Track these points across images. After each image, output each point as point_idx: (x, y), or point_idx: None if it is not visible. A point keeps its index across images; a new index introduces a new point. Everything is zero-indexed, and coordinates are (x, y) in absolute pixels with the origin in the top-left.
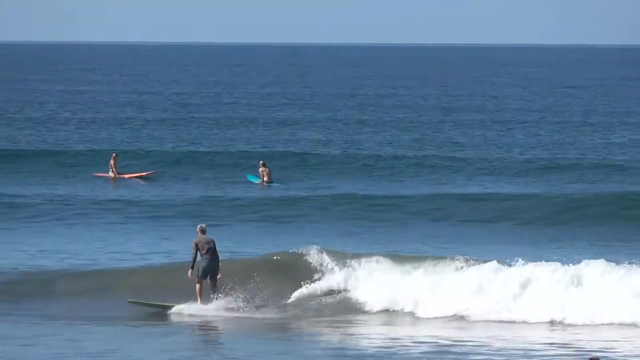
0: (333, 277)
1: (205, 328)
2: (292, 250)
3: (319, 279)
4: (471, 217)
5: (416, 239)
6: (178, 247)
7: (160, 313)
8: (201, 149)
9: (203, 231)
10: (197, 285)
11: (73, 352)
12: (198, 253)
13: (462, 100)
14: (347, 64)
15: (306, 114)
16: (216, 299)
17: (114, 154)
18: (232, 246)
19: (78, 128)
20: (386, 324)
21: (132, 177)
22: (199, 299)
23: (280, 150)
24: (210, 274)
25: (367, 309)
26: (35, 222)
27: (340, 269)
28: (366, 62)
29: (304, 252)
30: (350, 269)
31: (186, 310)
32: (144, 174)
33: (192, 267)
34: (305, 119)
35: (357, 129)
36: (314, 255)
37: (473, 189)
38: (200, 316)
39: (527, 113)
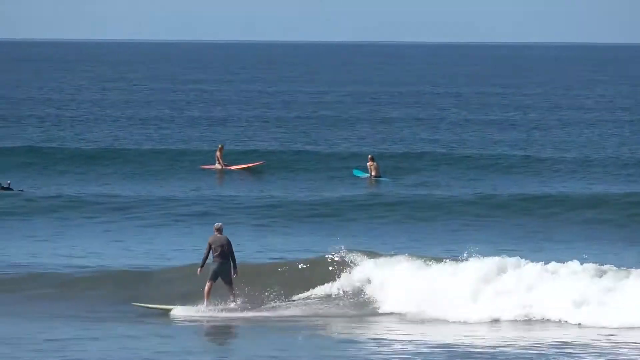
0: (355, 279)
1: (218, 330)
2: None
3: (343, 281)
4: (584, 216)
5: (513, 237)
6: (285, 244)
7: (166, 314)
8: (308, 148)
9: (219, 230)
10: (206, 287)
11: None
12: (210, 253)
13: (567, 98)
14: (444, 62)
15: (409, 112)
16: (234, 302)
17: (219, 145)
18: (309, 244)
19: (182, 127)
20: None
21: (239, 168)
22: (205, 300)
23: (387, 148)
24: (221, 277)
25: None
26: (142, 218)
27: (368, 272)
28: (462, 60)
29: (335, 254)
30: (379, 271)
31: (188, 313)
32: (251, 165)
33: (202, 266)
34: (410, 117)
35: (463, 127)
36: (347, 258)
37: (578, 186)
38: (209, 318)
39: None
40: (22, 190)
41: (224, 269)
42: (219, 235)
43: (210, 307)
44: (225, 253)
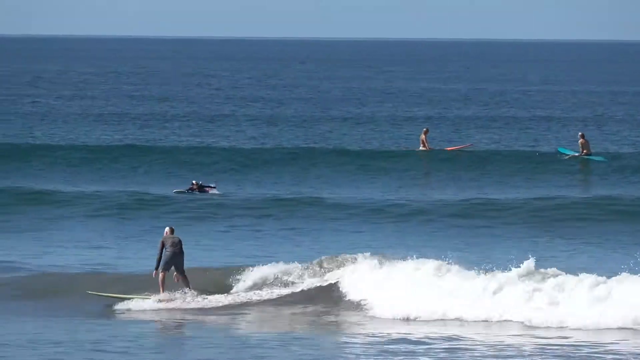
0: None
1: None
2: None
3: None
4: None
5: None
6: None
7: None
8: (517, 147)
9: (172, 231)
10: (160, 276)
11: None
12: (164, 250)
13: None
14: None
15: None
16: (188, 292)
17: (424, 129)
18: None
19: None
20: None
21: (450, 150)
22: (161, 289)
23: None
24: (174, 266)
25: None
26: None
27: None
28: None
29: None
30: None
31: (144, 304)
32: (460, 147)
33: (157, 268)
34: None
35: None
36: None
37: None
38: (160, 309)
39: None
40: (207, 190)
41: (178, 260)
42: (171, 235)
43: (166, 296)
44: (178, 245)
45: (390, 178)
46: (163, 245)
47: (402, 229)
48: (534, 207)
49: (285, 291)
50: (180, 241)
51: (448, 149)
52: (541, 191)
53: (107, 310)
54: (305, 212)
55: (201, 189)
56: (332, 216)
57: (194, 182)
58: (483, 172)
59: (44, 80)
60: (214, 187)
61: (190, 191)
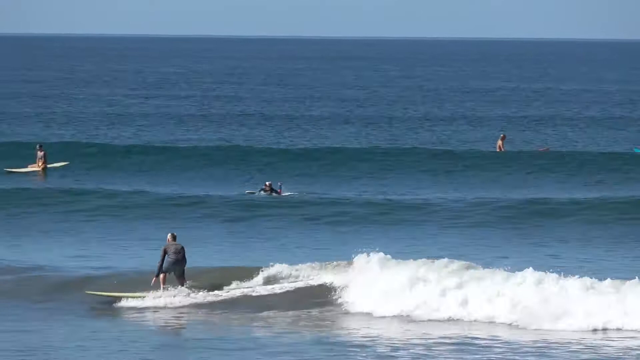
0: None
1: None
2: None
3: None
4: None
5: None
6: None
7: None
8: (593, 147)
9: (174, 238)
10: (161, 276)
11: None
12: (166, 257)
13: None
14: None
15: None
16: (185, 286)
17: (502, 134)
18: None
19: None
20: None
21: (542, 150)
22: (162, 286)
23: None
24: (174, 271)
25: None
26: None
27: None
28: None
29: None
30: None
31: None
32: (544, 149)
33: (158, 275)
34: None
35: None
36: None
37: None
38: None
39: None
40: (294, 194)
41: (179, 266)
42: (173, 242)
43: (166, 294)
44: (181, 252)
45: (467, 179)
46: (165, 252)
47: (476, 227)
48: (613, 207)
49: (288, 288)
50: (183, 248)
51: (540, 149)
52: (620, 191)
53: (110, 309)
54: (378, 212)
55: (273, 190)
56: (405, 217)
57: (266, 183)
58: (560, 172)
59: (121, 79)
60: (281, 188)
61: (262, 192)
